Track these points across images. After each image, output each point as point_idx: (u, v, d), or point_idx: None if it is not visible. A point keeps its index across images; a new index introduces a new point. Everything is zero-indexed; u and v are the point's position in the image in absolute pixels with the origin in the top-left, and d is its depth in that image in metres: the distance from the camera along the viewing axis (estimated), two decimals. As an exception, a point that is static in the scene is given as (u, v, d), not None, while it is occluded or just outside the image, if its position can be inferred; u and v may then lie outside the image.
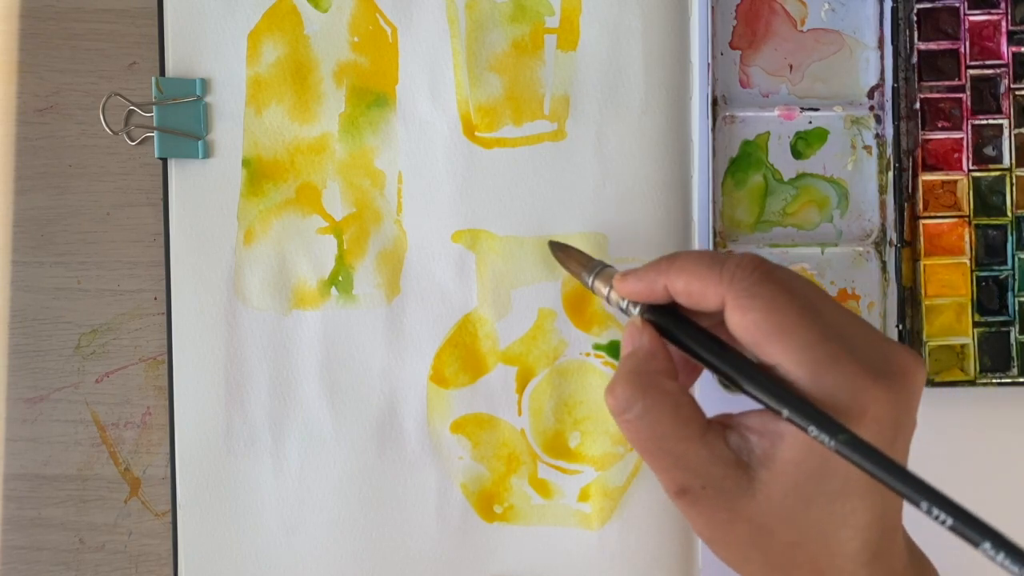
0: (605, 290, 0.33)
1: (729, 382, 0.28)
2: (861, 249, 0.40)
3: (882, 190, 0.40)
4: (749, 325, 0.27)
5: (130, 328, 0.41)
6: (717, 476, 0.28)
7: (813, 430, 0.26)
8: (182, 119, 0.39)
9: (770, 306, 0.27)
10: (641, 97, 0.39)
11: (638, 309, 0.31)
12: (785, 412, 0.26)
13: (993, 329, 0.39)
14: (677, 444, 0.28)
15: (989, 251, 0.39)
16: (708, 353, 0.29)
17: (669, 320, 0.30)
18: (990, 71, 0.39)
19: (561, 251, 0.36)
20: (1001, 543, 0.24)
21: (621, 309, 0.32)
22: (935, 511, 0.24)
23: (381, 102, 0.40)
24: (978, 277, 0.39)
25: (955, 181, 0.39)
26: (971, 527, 0.24)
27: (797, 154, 0.40)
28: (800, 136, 0.40)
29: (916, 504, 0.24)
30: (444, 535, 0.39)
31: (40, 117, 0.41)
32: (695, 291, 0.29)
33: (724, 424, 0.29)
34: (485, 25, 0.40)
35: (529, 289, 0.39)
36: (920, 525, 0.29)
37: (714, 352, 0.29)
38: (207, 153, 0.39)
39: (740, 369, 0.28)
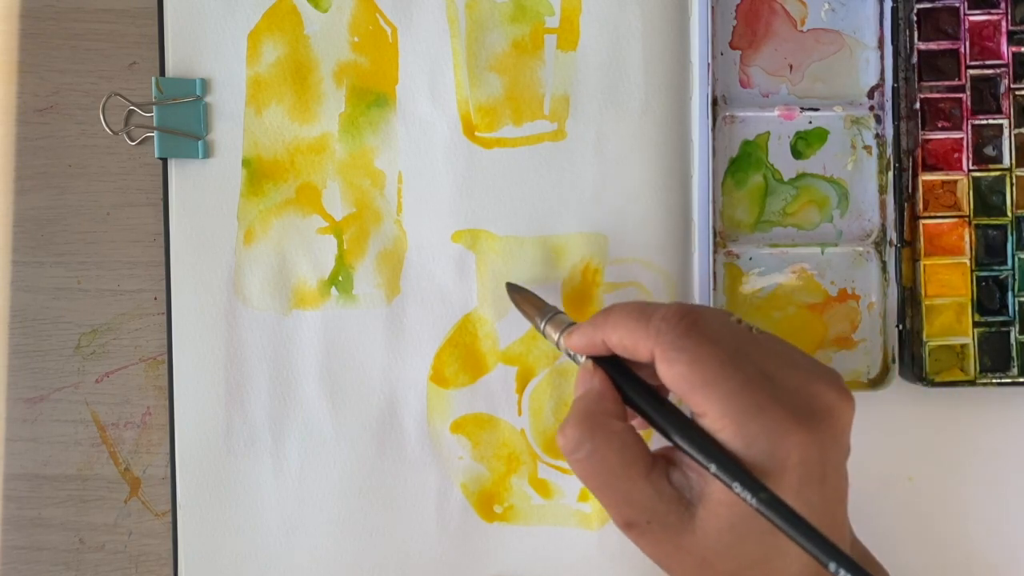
0: (556, 336, 0.34)
1: (662, 435, 0.30)
2: (861, 249, 0.40)
3: (882, 190, 0.40)
4: (675, 377, 0.28)
5: (130, 328, 0.41)
6: (661, 512, 0.29)
7: (737, 487, 0.27)
8: (182, 119, 0.39)
9: (694, 358, 0.28)
10: (641, 97, 0.39)
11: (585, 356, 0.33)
12: (712, 468, 0.28)
13: (993, 329, 0.39)
14: (623, 482, 0.29)
15: (989, 251, 0.39)
16: (644, 405, 0.31)
17: (612, 370, 0.32)
18: (990, 71, 0.39)
19: (517, 293, 0.37)
20: None
21: (570, 356, 0.34)
22: (842, 573, 0.25)
23: (381, 102, 0.40)
24: (978, 277, 0.39)
25: (955, 181, 0.39)
26: None
27: (797, 154, 0.40)
28: (800, 136, 0.40)
29: (825, 565, 0.25)
30: (444, 535, 0.39)
31: (40, 117, 0.41)
32: (628, 345, 0.30)
33: (669, 460, 0.30)
34: (485, 25, 0.40)
35: (529, 289, 0.39)
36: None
37: (649, 404, 0.30)
38: (207, 153, 0.40)
39: (671, 423, 0.29)
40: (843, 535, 0.30)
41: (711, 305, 0.39)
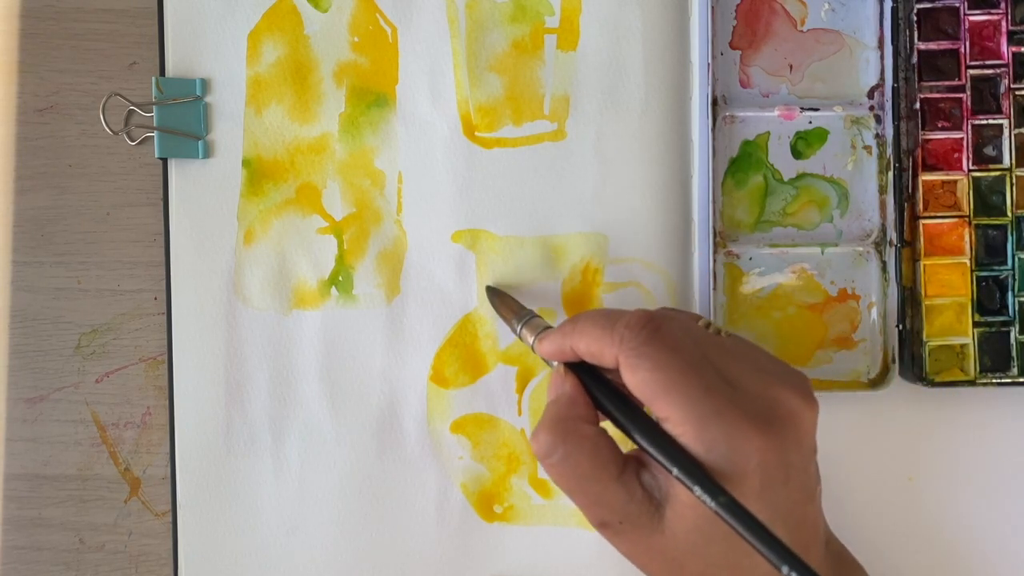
0: (531, 339, 0.35)
1: (628, 438, 0.30)
2: (861, 249, 0.40)
3: (882, 190, 0.40)
4: (639, 383, 0.29)
5: (130, 328, 0.41)
6: (632, 513, 0.30)
7: (697, 490, 0.27)
8: (182, 119, 0.39)
9: (656, 364, 0.29)
10: (641, 97, 0.39)
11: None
12: (674, 471, 0.28)
13: (993, 329, 0.39)
14: (595, 485, 0.30)
15: (989, 251, 0.39)
16: (611, 409, 0.31)
17: (583, 374, 0.32)
18: (990, 71, 0.39)
19: (495, 296, 0.38)
20: None
21: (544, 360, 0.34)
22: None
23: (381, 102, 0.40)
24: (978, 277, 0.39)
25: (955, 181, 0.39)
26: None
27: (797, 154, 0.40)
28: (800, 136, 0.40)
29: (778, 568, 0.26)
30: (444, 535, 0.39)
31: (40, 117, 0.41)
32: (594, 352, 0.31)
33: (640, 462, 0.30)
34: (485, 25, 0.40)
35: (529, 289, 0.39)
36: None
37: (617, 408, 0.31)
38: (207, 153, 0.40)
39: (637, 426, 0.30)
40: (814, 534, 0.30)
41: (711, 305, 0.39)
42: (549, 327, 0.35)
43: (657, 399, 0.29)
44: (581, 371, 0.32)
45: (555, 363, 0.33)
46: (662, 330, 0.30)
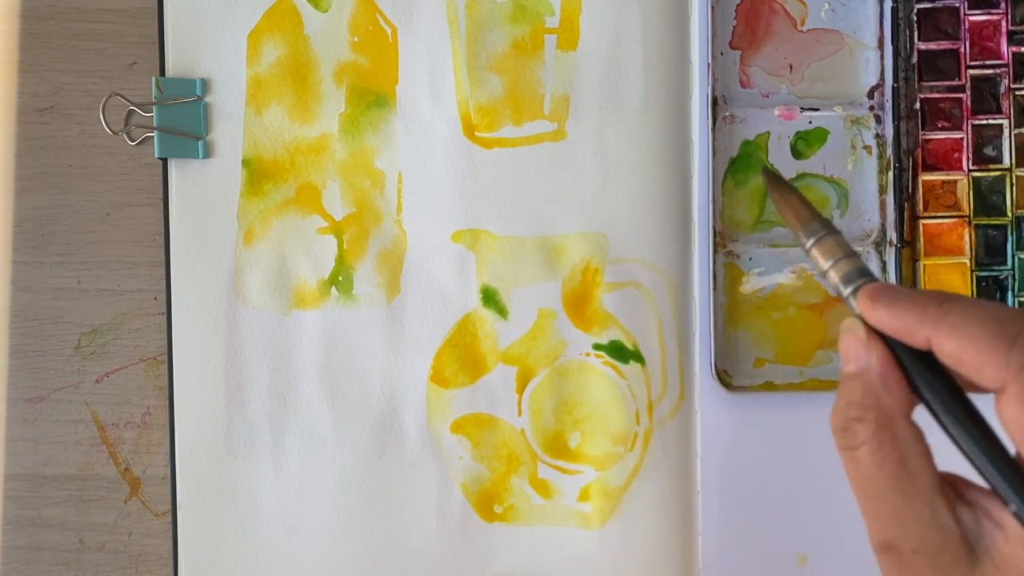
0: (825, 264, 0.27)
1: (961, 452, 0.25)
2: (861, 249, 0.40)
3: (882, 190, 0.40)
4: None
5: (130, 328, 0.41)
6: (934, 547, 0.24)
7: None
8: (182, 119, 0.39)
9: None
10: (641, 97, 0.39)
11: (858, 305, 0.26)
12: (1013, 507, 0.23)
13: (993, 329, 0.39)
14: (898, 497, 0.25)
15: (989, 251, 0.39)
16: (949, 414, 0.25)
17: (915, 364, 0.25)
18: (990, 71, 0.39)
19: (777, 188, 0.29)
20: None
21: (841, 297, 0.27)
22: None
23: (381, 102, 0.40)
24: (978, 277, 0.39)
25: (955, 181, 0.39)
26: None
27: (797, 154, 0.40)
28: (800, 136, 0.40)
29: None
30: (444, 535, 0.39)
31: (40, 117, 0.41)
32: (968, 362, 0.24)
33: (958, 491, 0.25)
34: (485, 25, 0.40)
35: (529, 289, 0.39)
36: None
37: (964, 426, 0.25)
38: (207, 153, 0.40)
39: (980, 444, 0.24)
40: None
41: (710, 305, 0.39)
42: (856, 257, 0.27)
43: None
44: (898, 345, 0.25)
45: (855, 308, 0.26)
46: None
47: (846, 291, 0.26)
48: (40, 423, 0.40)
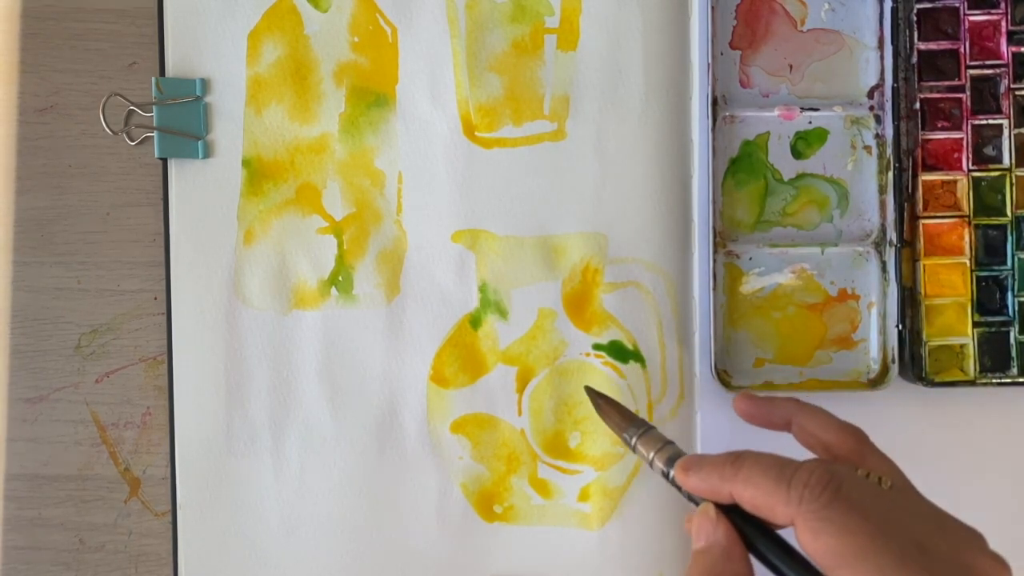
0: (650, 455, 0.32)
1: None
2: (861, 249, 0.40)
3: (882, 190, 0.40)
4: (821, 548, 0.27)
5: (130, 328, 0.41)
6: None
7: None
8: (182, 119, 0.39)
9: (841, 529, 0.26)
10: (641, 97, 0.39)
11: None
12: None
13: (993, 329, 0.39)
14: None
15: (989, 251, 0.39)
16: (781, 566, 0.28)
17: (741, 521, 0.29)
18: (990, 71, 0.39)
19: (600, 401, 0.35)
20: None
21: (676, 488, 0.31)
22: None
23: (381, 102, 0.40)
24: (978, 277, 0.39)
25: (955, 181, 0.39)
26: None
27: (797, 154, 0.40)
28: (800, 136, 0.40)
29: None
30: (444, 535, 0.39)
31: (40, 117, 0.41)
32: (762, 505, 0.28)
33: None
34: (485, 25, 0.40)
35: (529, 289, 0.39)
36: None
37: (787, 566, 0.28)
38: (207, 153, 0.40)
39: None
40: None
41: (711, 305, 0.39)
42: (672, 444, 0.32)
43: (843, 568, 0.26)
44: (736, 516, 0.29)
45: (702, 502, 0.31)
46: (843, 490, 0.27)
47: (671, 472, 0.31)
48: (40, 423, 0.40)
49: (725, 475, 0.29)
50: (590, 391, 0.36)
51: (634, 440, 0.33)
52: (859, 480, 0.28)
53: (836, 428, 0.32)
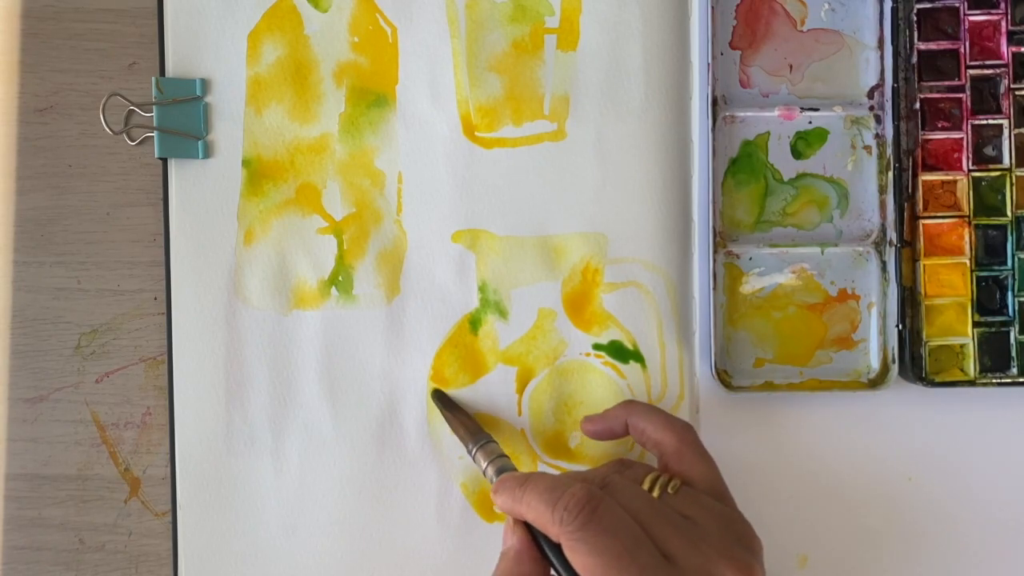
0: (484, 464, 0.35)
1: None
2: (861, 249, 0.40)
3: (882, 190, 0.40)
4: (579, 565, 0.30)
5: (130, 328, 0.41)
6: None
7: None
8: (182, 119, 0.39)
9: (593, 549, 0.29)
10: (641, 97, 0.39)
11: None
12: None
13: (993, 329, 0.39)
14: None
15: (989, 251, 0.39)
16: (561, 571, 0.31)
17: (534, 530, 0.32)
18: (990, 71, 0.39)
19: (446, 407, 0.38)
20: None
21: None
22: None
23: (381, 102, 0.40)
24: (978, 277, 0.39)
25: (955, 181, 0.39)
26: None
27: (797, 154, 0.40)
28: (800, 136, 0.40)
29: None
30: (444, 535, 0.39)
31: (40, 117, 0.41)
32: (540, 525, 0.31)
33: None
34: (485, 25, 0.40)
35: (529, 289, 0.39)
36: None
37: (565, 571, 0.31)
38: (207, 153, 0.40)
39: None
40: None
41: (711, 305, 0.39)
42: (504, 458, 0.35)
43: None
44: (532, 527, 0.32)
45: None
46: (599, 511, 0.30)
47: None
48: (40, 423, 0.40)
49: (515, 497, 0.32)
50: (436, 399, 0.39)
51: (475, 450, 0.36)
52: (624, 495, 0.31)
53: (663, 426, 0.35)
